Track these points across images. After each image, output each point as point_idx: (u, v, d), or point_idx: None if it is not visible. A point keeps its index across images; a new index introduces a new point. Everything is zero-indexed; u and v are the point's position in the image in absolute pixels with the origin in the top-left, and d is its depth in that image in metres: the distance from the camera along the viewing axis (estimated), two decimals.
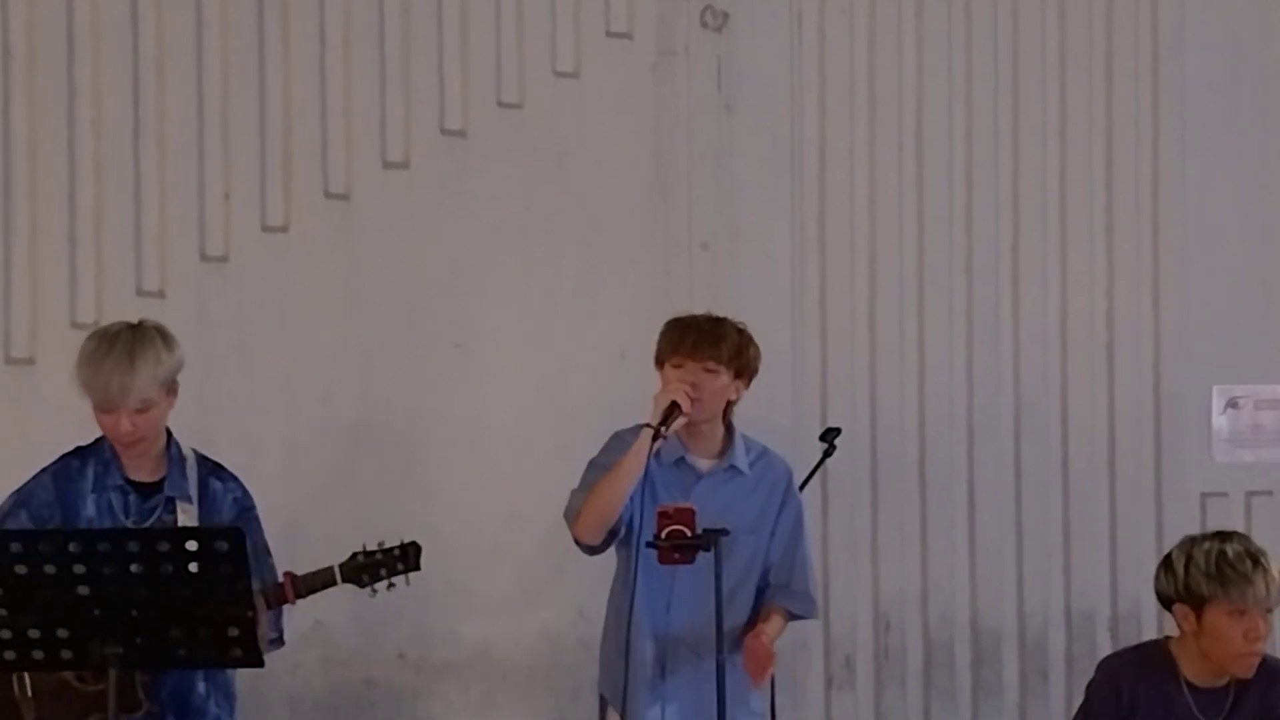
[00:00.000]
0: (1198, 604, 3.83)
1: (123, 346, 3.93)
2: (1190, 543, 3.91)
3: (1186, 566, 3.85)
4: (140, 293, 4.98)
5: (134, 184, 5.02)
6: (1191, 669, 3.89)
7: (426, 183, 5.14)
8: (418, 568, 4.13)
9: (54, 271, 4.98)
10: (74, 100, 4.99)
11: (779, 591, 4.32)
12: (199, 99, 5.03)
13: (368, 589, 4.11)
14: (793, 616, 4.36)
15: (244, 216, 5.06)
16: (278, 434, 5.01)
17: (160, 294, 4.99)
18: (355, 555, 4.10)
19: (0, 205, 4.97)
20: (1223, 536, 3.91)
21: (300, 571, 4.08)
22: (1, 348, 4.97)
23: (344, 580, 4.08)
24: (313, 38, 5.09)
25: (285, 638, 4.11)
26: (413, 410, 5.11)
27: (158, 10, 5.03)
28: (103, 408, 3.95)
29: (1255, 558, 3.82)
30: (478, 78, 5.15)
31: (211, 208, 5.05)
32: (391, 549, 4.11)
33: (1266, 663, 3.97)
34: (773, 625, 4.27)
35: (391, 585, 4.11)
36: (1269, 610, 3.82)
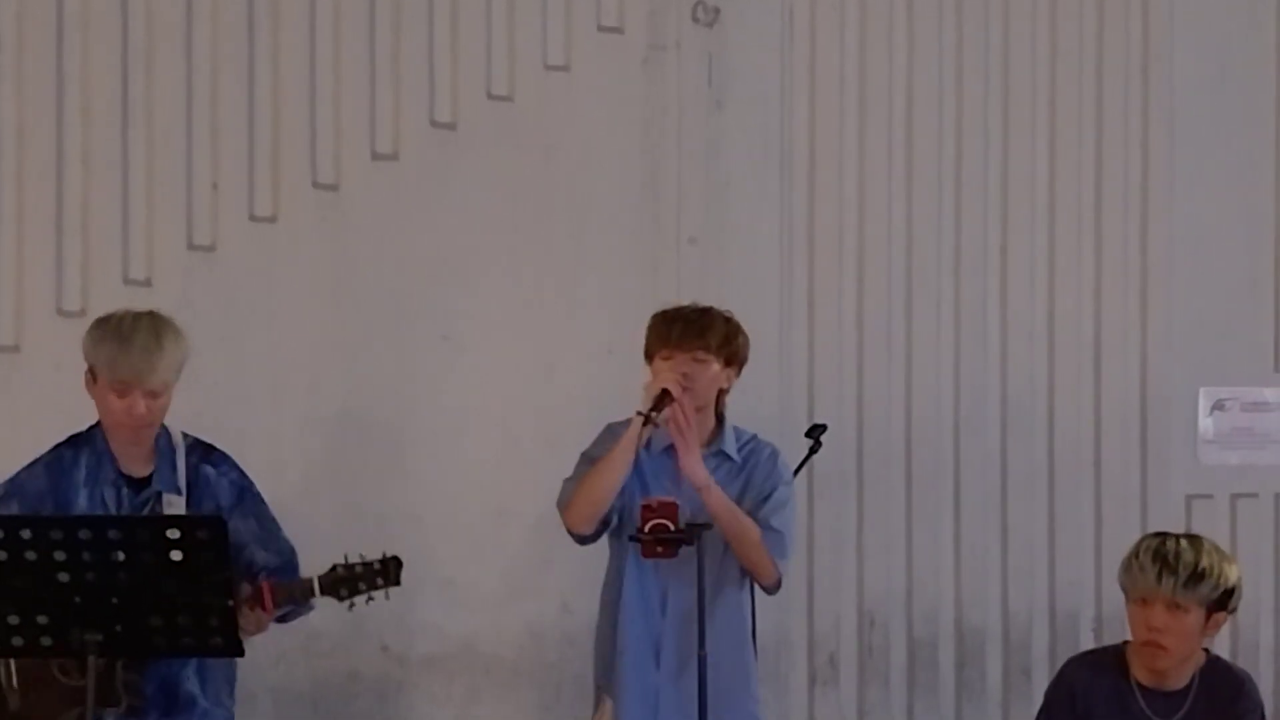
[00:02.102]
0: (1125, 597, 3.89)
1: (148, 329, 3.96)
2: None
3: None
4: (127, 281, 4.98)
5: (122, 173, 5.01)
6: (1139, 671, 3.90)
7: (415, 175, 5.13)
8: (398, 583, 4.06)
9: (40, 259, 4.97)
10: (62, 88, 4.98)
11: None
12: (188, 88, 5.02)
13: (345, 602, 4.05)
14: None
15: (232, 206, 5.05)
16: (263, 424, 5.00)
17: (147, 283, 4.98)
18: (335, 568, 4.03)
19: None
20: (1171, 535, 3.93)
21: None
22: None
23: (322, 593, 4.02)
24: (303, 28, 5.08)
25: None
26: (399, 402, 5.10)
27: None
28: (122, 389, 3.94)
29: (1166, 553, 3.83)
30: (468, 70, 5.15)
31: (199, 197, 5.05)
32: (371, 563, 4.04)
33: (1233, 671, 3.97)
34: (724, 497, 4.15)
35: (370, 599, 4.06)
36: (1175, 605, 3.81)
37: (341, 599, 4.05)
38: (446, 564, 5.05)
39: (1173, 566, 3.80)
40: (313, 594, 4.02)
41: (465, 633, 5.11)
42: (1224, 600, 3.86)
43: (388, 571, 4.05)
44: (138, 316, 3.99)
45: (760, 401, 4.97)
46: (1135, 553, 3.88)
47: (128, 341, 3.92)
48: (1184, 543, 3.87)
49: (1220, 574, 3.84)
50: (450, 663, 5.11)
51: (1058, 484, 5.25)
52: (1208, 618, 3.85)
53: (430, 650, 5.10)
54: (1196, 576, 3.81)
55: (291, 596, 4.02)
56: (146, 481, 4.04)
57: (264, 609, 3.96)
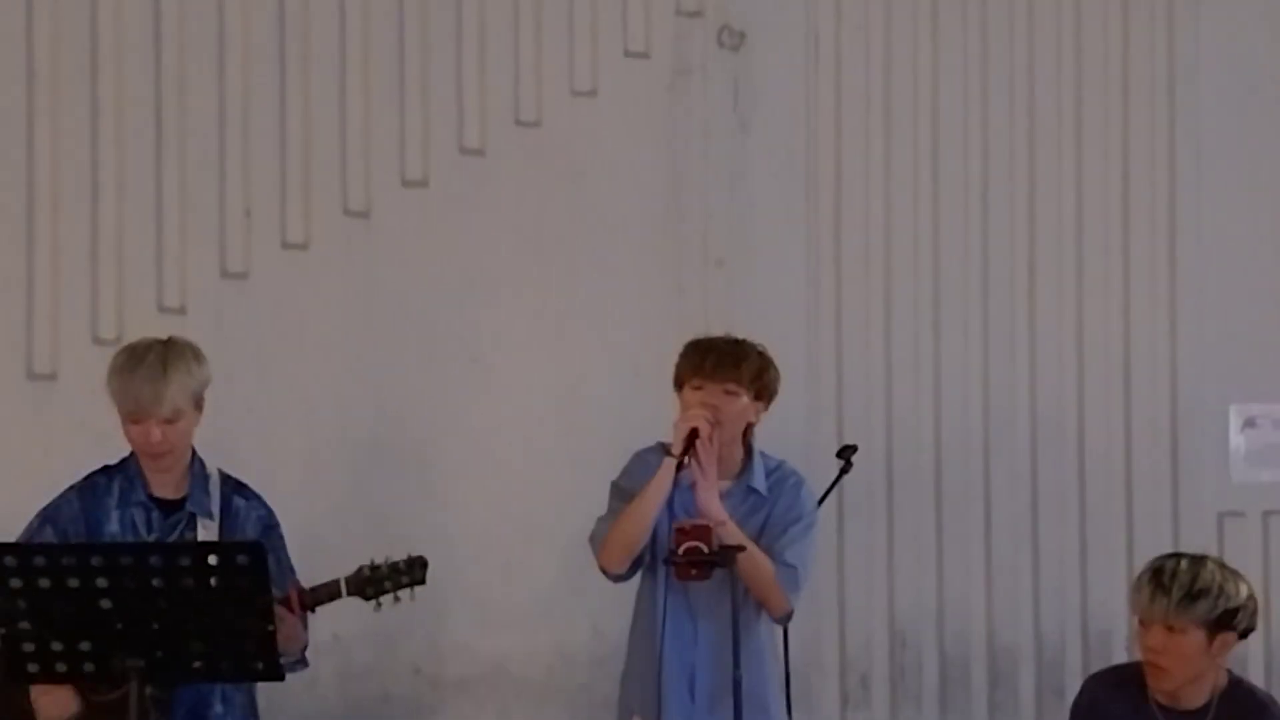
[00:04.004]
0: None
1: (155, 356, 3.99)
2: None
3: None
4: (161, 309, 5.00)
5: (155, 201, 5.04)
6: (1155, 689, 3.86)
7: (445, 201, 5.16)
8: (423, 582, 4.11)
9: (76, 287, 5.00)
10: (97, 117, 5.01)
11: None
12: (220, 117, 5.05)
13: (372, 602, 4.10)
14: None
15: (264, 233, 5.08)
16: (295, 448, 5.02)
17: (181, 310, 5.01)
18: (361, 569, 4.09)
19: (24, 221, 4.99)
20: (1177, 555, 3.87)
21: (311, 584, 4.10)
22: (24, 363, 4.98)
23: (349, 593, 4.07)
24: (333, 56, 5.11)
25: (307, 658, 4.13)
26: (428, 425, 5.12)
27: (180, 29, 5.05)
28: (134, 417, 3.99)
29: (1163, 574, 3.76)
30: (496, 96, 5.17)
31: (232, 225, 5.07)
32: (397, 563, 4.10)
33: (1256, 696, 3.90)
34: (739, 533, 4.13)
35: (397, 599, 4.11)
36: (1171, 627, 3.74)
37: (368, 599, 4.09)
38: (476, 586, 5.06)
39: (1167, 588, 3.72)
40: (340, 595, 4.06)
41: (496, 655, 5.12)
42: (1226, 620, 3.75)
43: (413, 570, 4.10)
44: (149, 346, 4.02)
45: (788, 423, 4.95)
46: (1141, 573, 3.83)
47: (134, 372, 3.96)
48: (1184, 563, 3.77)
49: (1220, 594, 3.73)
50: (481, 685, 5.12)
51: (1089, 502, 5.25)
52: (1211, 639, 3.75)
53: (461, 672, 5.11)
54: (1191, 597, 3.72)
55: (319, 600, 4.06)
56: (178, 505, 4.07)
57: (291, 611, 3.98)
